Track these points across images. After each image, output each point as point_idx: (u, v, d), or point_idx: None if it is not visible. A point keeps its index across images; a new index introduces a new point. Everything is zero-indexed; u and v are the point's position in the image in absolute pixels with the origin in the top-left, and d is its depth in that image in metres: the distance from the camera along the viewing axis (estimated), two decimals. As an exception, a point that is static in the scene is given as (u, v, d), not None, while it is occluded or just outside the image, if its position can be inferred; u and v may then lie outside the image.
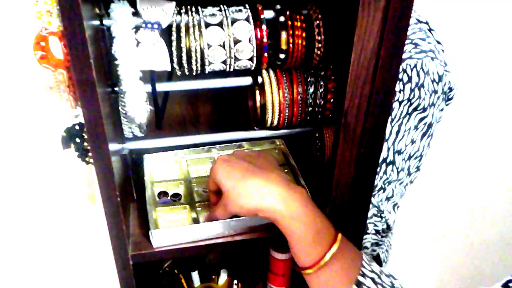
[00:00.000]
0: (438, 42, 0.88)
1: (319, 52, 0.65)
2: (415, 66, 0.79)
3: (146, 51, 0.60)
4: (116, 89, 0.64)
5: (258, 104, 0.69)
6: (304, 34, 0.64)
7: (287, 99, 0.68)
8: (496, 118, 1.67)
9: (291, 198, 0.63)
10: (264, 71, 0.68)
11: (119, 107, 0.66)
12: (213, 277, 1.00)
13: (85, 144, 0.62)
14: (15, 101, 0.92)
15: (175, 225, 0.73)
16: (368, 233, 0.90)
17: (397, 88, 0.79)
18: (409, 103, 0.79)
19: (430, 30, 0.89)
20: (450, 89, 0.83)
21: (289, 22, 0.63)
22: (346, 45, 0.58)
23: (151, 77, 0.66)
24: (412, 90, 0.79)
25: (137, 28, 0.60)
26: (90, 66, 0.50)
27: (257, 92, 0.69)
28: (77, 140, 0.62)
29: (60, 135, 0.63)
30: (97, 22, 0.58)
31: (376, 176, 0.82)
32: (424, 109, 0.80)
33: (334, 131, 0.67)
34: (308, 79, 0.68)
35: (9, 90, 0.90)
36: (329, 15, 0.63)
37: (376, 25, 0.54)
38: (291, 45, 0.64)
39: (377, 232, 0.90)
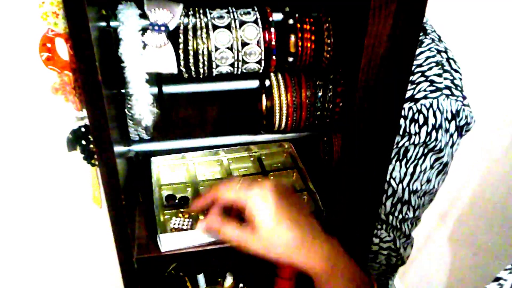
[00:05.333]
0: (456, 71, 0.83)
1: (328, 56, 0.64)
2: (431, 106, 0.76)
3: (153, 54, 0.59)
4: (123, 91, 0.64)
5: (264, 107, 0.68)
6: (313, 37, 0.63)
7: (295, 103, 0.67)
8: (507, 122, 1.65)
9: (334, 254, 0.60)
10: (272, 74, 0.67)
11: (126, 110, 0.65)
12: (219, 280, 0.99)
13: (91, 146, 0.62)
14: (21, 103, 0.92)
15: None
16: (378, 263, 0.88)
17: (412, 131, 0.77)
18: (424, 145, 0.77)
19: (448, 59, 0.84)
20: (467, 123, 0.81)
21: (298, 25, 0.62)
22: (356, 50, 0.56)
23: (158, 79, 0.65)
24: (428, 133, 0.76)
25: (144, 30, 0.59)
26: (96, 68, 0.50)
27: (264, 96, 0.68)
28: (83, 142, 0.62)
29: (66, 137, 0.63)
30: (103, 24, 0.57)
31: (391, 216, 0.81)
32: (441, 150, 0.78)
33: (342, 136, 0.66)
34: (317, 83, 0.67)
35: (14, 92, 0.90)
36: (339, 18, 0.62)
37: (386, 30, 0.52)
38: (299, 48, 0.63)
39: (388, 265, 0.88)
